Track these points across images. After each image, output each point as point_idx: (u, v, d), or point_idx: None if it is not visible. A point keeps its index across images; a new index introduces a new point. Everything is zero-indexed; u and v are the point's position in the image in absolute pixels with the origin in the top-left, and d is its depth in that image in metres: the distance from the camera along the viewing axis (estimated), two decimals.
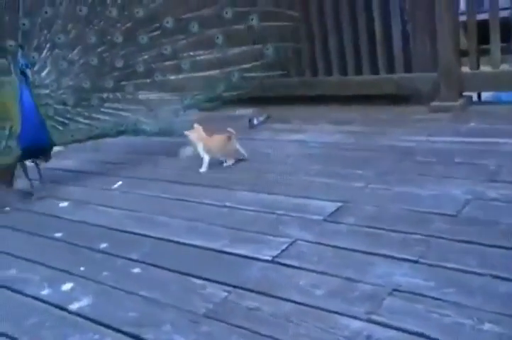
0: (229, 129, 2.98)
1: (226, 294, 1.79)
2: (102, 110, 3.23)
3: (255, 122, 3.68)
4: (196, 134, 2.97)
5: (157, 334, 1.66)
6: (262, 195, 2.52)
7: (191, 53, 3.25)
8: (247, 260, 1.98)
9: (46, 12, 3.08)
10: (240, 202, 2.47)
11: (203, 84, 3.28)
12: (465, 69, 3.55)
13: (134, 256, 2.17)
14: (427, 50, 3.64)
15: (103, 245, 2.32)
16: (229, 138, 2.96)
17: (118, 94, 3.25)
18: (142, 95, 3.27)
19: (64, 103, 3.15)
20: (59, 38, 3.13)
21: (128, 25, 3.20)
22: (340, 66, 3.99)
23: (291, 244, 2.02)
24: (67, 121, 3.14)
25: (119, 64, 3.22)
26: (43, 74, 3.14)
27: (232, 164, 2.98)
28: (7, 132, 2.94)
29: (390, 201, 2.25)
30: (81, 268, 2.16)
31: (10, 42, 3.03)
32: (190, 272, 1.95)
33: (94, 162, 3.51)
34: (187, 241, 2.19)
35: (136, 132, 3.24)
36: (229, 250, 2.06)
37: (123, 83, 3.25)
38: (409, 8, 3.73)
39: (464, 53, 3.57)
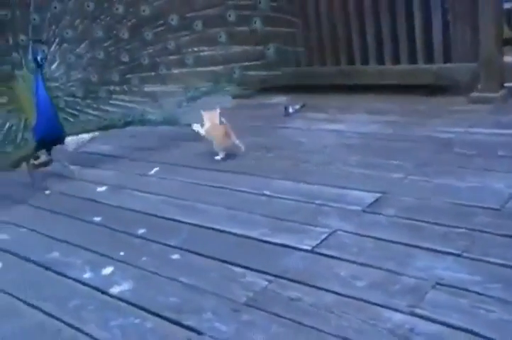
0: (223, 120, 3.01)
1: (266, 283, 1.80)
2: (110, 102, 3.33)
3: (290, 110, 3.66)
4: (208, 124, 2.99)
5: (198, 321, 1.68)
6: (300, 184, 2.51)
7: (195, 49, 3.34)
8: (287, 249, 1.98)
9: (55, 7, 3.18)
10: (278, 191, 2.47)
11: (205, 78, 3.38)
12: (507, 59, 3.45)
13: (172, 242, 2.19)
14: (468, 39, 3.55)
15: (142, 230, 2.35)
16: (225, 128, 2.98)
17: (125, 87, 3.35)
18: (148, 88, 3.37)
19: (74, 96, 3.27)
20: (67, 33, 3.23)
21: (134, 21, 3.30)
22: (377, 55, 3.92)
23: (330, 234, 2.02)
24: (77, 113, 3.26)
25: (125, 58, 3.32)
26: (53, 67, 3.23)
27: (222, 158, 3.01)
28: (22, 124, 3.06)
29: (430, 193, 2.23)
30: (121, 253, 2.19)
31: (22, 37, 3.13)
32: (229, 260, 1.97)
33: (130, 148, 3.54)
34: (226, 229, 2.20)
35: (142, 122, 3.34)
36: (269, 239, 2.06)
37: (128, 76, 3.35)
38: None
39: (506, 42, 3.47)
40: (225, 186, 2.64)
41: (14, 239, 2.50)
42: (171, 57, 3.36)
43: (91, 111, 3.28)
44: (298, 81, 4.15)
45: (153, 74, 3.36)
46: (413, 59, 3.72)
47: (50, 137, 3.00)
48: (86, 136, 3.53)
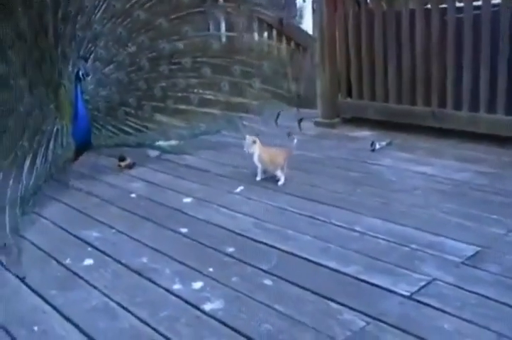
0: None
1: (364, 324, 1.77)
2: (126, 122, 3.59)
3: (377, 146, 3.62)
4: (254, 140, 3.10)
5: None
6: (391, 224, 2.47)
7: (200, 91, 3.71)
8: (384, 291, 1.94)
9: (95, 28, 3.53)
10: (370, 228, 2.44)
11: (206, 119, 3.71)
12: None
13: (263, 266, 2.19)
14: None
15: (231, 249, 2.36)
16: (287, 153, 3.10)
17: (139, 112, 3.63)
18: (158, 117, 3.66)
19: (98, 111, 3.53)
20: (101, 53, 3.56)
21: (154, 54, 3.64)
22: (471, 100, 3.86)
23: (429, 283, 1.97)
24: (100, 127, 3.52)
25: (142, 85, 3.62)
26: (86, 80, 3.44)
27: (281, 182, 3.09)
28: (65, 129, 3.31)
29: None
30: (210, 269, 2.20)
31: (68, 49, 3.43)
32: (325, 294, 1.95)
33: (214, 162, 3.58)
34: (320, 261, 2.18)
35: (151, 146, 3.64)
36: (365, 278, 2.03)
37: (143, 102, 3.63)
38: None
39: None
40: (315, 216, 2.63)
41: (106, 238, 2.55)
42: (180, 94, 3.69)
43: (110, 127, 3.56)
44: (385, 117, 4.13)
45: (163, 105, 3.65)
46: (511, 110, 3.64)
47: (85, 144, 3.31)
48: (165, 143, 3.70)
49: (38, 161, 3.12)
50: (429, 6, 3.88)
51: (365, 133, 4.02)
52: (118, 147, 3.58)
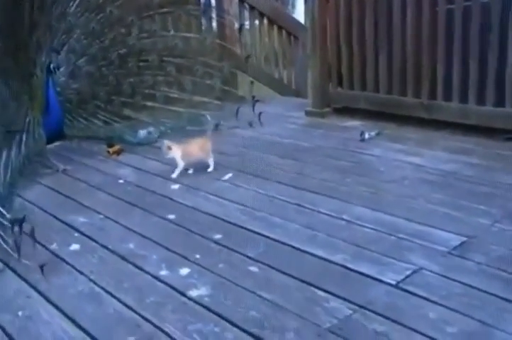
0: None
1: (351, 312, 1.77)
2: (97, 115, 3.70)
3: (367, 136, 3.62)
4: (174, 148, 3.05)
5: None
6: (380, 214, 2.48)
7: (166, 89, 3.87)
8: (370, 280, 1.95)
9: (70, 20, 3.61)
10: (358, 217, 2.44)
11: (170, 116, 3.80)
12: None
13: (250, 253, 2.19)
14: None
15: (218, 236, 2.36)
16: (206, 140, 3.11)
17: (109, 106, 3.72)
18: (126, 112, 3.78)
19: (70, 103, 3.62)
20: (74, 45, 3.65)
21: (125, 50, 3.76)
22: (461, 92, 3.86)
23: (415, 272, 1.98)
24: (71, 118, 3.59)
25: (112, 80, 3.73)
26: (58, 72, 3.48)
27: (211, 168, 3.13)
28: (36, 120, 3.32)
29: None
30: (197, 256, 2.20)
31: (43, 40, 3.42)
32: (312, 282, 1.95)
33: None
34: (307, 249, 2.18)
35: (121, 139, 3.66)
36: (351, 266, 2.04)
37: (112, 97, 3.74)
38: None
39: None
40: (303, 204, 2.63)
41: (93, 224, 2.53)
42: (147, 91, 3.82)
43: (81, 120, 3.64)
44: (375, 107, 4.12)
45: (131, 100, 3.78)
46: (501, 102, 3.65)
47: (55, 134, 3.37)
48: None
49: (13, 154, 3.09)
50: None
51: (355, 123, 4.01)
52: (90, 139, 3.66)
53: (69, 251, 2.28)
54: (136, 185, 3.00)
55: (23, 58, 3.37)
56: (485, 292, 1.84)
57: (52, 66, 3.23)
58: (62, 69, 3.55)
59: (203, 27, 4.87)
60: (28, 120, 3.29)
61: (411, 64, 3.99)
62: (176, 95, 3.87)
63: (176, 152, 3.04)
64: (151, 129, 3.74)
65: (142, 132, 3.69)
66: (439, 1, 3.72)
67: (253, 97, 4.06)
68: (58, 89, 3.44)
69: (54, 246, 2.32)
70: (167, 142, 3.06)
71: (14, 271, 2.13)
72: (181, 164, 3.07)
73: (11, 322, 1.80)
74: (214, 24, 5.24)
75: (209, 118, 3.30)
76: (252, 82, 4.30)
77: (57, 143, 3.57)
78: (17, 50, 3.34)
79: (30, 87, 3.37)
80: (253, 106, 3.98)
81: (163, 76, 3.87)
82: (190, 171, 3.14)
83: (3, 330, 1.76)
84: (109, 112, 3.72)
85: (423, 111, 3.91)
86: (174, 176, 3.07)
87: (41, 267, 2.07)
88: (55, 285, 2.01)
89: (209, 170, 3.13)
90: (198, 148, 3.10)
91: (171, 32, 4.06)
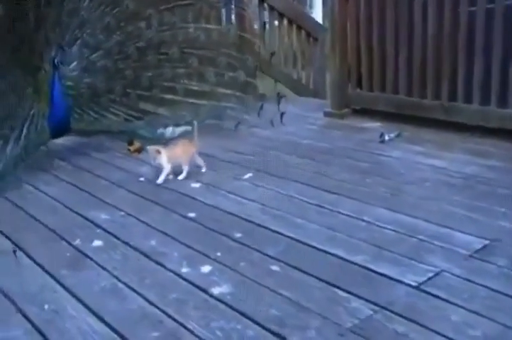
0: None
1: (372, 312, 1.78)
2: (110, 109, 3.65)
3: (386, 137, 3.61)
4: (158, 152, 2.97)
5: (302, 339, 1.68)
6: (400, 215, 2.48)
7: (186, 81, 3.80)
8: (392, 281, 1.95)
9: (83, 15, 3.58)
10: (377, 218, 2.45)
11: (190, 109, 3.74)
12: None
13: (270, 252, 2.20)
14: None
15: (238, 234, 2.37)
16: (190, 142, 3.08)
17: (124, 99, 3.67)
18: (142, 106, 3.73)
19: (82, 96, 3.58)
20: (87, 40, 3.64)
21: (142, 44, 3.70)
22: (481, 94, 3.84)
23: (437, 274, 1.98)
24: (81, 112, 3.56)
25: (129, 73, 3.67)
26: (70, 67, 3.54)
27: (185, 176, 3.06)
28: (41, 113, 3.34)
29: None
30: (218, 253, 2.22)
31: (51, 35, 3.45)
32: (332, 281, 1.96)
33: (222, 148, 3.57)
34: (327, 249, 2.19)
35: (134, 134, 3.60)
36: (372, 267, 2.04)
37: (128, 90, 3.68)
38: None
39: None
40: (322, 204, 2.64)
41: (114, 221, 2.57)
42: (166, 84, 3.75)
43: (92, 113, 3.61)
44: (395, 109, 4.10)
45: (148, 94, 3.72)
46: None
47: (60, 128, 3.37)
48: (178, 129, 3.68)
49: (9, 147, 3.12)
50: None
51: (374, 124, 4.01)
52: (104, 134, 3.66)
53: (92, 247, 2.31)
54: (157, 184, 3.02)
55: (26, 52, 3.37)
56: (508, 295, 1.83)
57: (56, 60, 3.24)
58: (74, 64, 3.55)
59: (223, 19, 4.79)
60: (32, 112, 3.31)
61: (431, 66, 3.97)
62: (196, 88, 3.80)
63: (163, 156, 2.95)
64: (172, 127, 3.70)
65: (168, 129, 3.62)
66: (461, 2, 3.71)
67: (278, 93, 4.02)
68: (70, 83, 3.44)
69: (77, 242, 2.35)
70: (153, 147, 2.97)
71: (40, 265, 2.17)
72: (167, 168, 2.98)
73: (38, 315, 1.83)
74: (233, 16, 5.21)
75: (195, 123, 3.17)
76: (275, 81, 4.24)
77: (69, 138, 3.63)
78: (20, 44, 3.35)
79: (35, 80, 3.38)
80: (278, 103, 3.93)
81: (184, 69, 3.79)
82: (160, 181, 3.00)
83: (32, 323, 1.79)
84: (124, 106, 3.67)
85: (442, 113, 3.89)
86: (159, 181, 2.98)
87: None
88: (80, 281, 2.05)
89: (179, 178, 3.04)
90: (182, 151, 3.03)
91: (192, 24, 3.97)
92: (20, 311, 1.86)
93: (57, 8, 3.45)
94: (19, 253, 2.29)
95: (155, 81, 3.73)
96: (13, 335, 1.75)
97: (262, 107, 3.87)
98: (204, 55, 3.83)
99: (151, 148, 2.99)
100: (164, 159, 2.97)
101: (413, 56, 4.02)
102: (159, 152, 2.95)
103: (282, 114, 3.92)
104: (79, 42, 3.61)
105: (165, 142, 3.23)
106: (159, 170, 3.04)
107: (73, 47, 3.58)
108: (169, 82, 3.76)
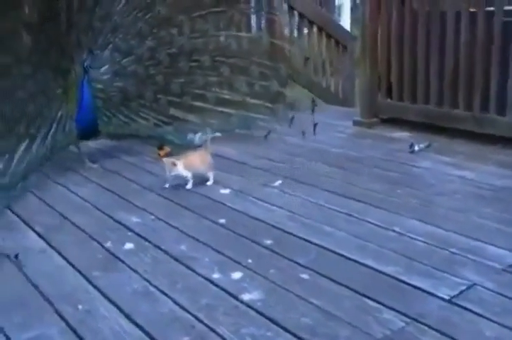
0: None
1: (403, 324, 1.77)
2: (140, 114, 3.67)
3: (416, 148, 3.60)
4: (174, 164, 2.98)
5: None
6: (431, 227, 2.46)
7: (217, 90, 3.81)
8: (424, 293, 1.94)
9: (116, 20, 3.62)
10: (408, 229, 2.43)
11: (220, 117, 3.76)
12: None
13: (300, 261, 2.20)
14: None
15: (268, 241, 2.38)
16: (205, 151, 3.09)
17: (154, 105, 3.69)
18: (172, 111, 3.74)
19: (111, 100, 3.60)
20: (120, 44, 3.64)
21: (175, 50, 3.74)
22: None
23: (470, 287, 1.96)
24: (110, 115, 3.58)
25: (160, 79, 3.70)
26: (102, 70, 3.58)
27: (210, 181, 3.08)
28: (68, 114, 3.38)
29: None
30: (249, 260, 2.23)
31: (83, 38, 3.51)
32: (362, 291, 1.95)
33: (254, 155, 3.59)
34: (357, 259, 2.19)
35: (163, 139, 3.60)
36: (404, 279, 2.03)
37: (159, 96, 3.70)
38: None
39: None
40: (351, 213, 2.63)
41: (145, 224, 2.60)
42: (197, 91, 3.77)
43: (121, 117, 3.63)
44: (424, 119, 4.08)
45: (179, 100, 3.74)
46: None
47: (87, 130, 3.42)
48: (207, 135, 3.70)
49: (34, 147, 3.17)
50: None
51: (403, 134, 3.99)
52: (132, 138, 3.70)
53: (124, 250, 2.34)
54: (186, 189, 3.05)
55: (57, 54, 3.43)
56: None
57: (85, 64, 3.30)
58: (105, 67, 3.61)
59: (253, 26, 4.82)
60: (60, 113, 3.36)
61: (463, 76, 3.93)
62: (227, 97, 3.82)
63: (179, 167, 2.97)
64: (201, 134, 3.67)
65: (197, 135, 3.59)
66: (496, 12, 3.68)
67: (312, 100, 4.02)
68: (100, 86, 3.50)
69: (109, 244, 2.39)
70: (169, 160, 2.99)
71: (73, 266, 2.21)
72: (189, 175, 3.01)
73: (72, 315, 1.86)
74: (263, 23, 5.22)
75: (208, 131, 3.23)
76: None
77: (99, 141, 3.70)
78: (50, 46, 3.40)
79: (65, 82, 3.44)
80: (312, 110, 3.91)
81: (215, 77, 3.83)
82: (166, 185, 3.05)
83: (66, 322, 1.82)
84: (154, 111, 3.70)
85: (474, 125, 3.85)
86: (188, 187, 3.02)
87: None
88: (112, 282, 2.08)
89: (208, 183, 3.07)
90: (199, 160, 3.05)
91: (224, 32, 4.01)
92: (56, 311, 1.89)
93: (89, 13, 3.51)
94: (51, 251, 2.34)
95: (186, 87, 3.77)
96: (49, 333, 1.78)
97: (293, 118, 3.86)
98: (236, 64, 3.86)
99: (167, 160, 3.01)
100: (181, 169, 2.98)
101: (445, 65, 4.00)
102: (174, 164, 2.96)
103: (315, 125, 3.91)
104: (110, 46, 3.66)
105: (181, 152, 3.19)
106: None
107: (105, 51, 3.64)
108: (200, 90, 3.79)
